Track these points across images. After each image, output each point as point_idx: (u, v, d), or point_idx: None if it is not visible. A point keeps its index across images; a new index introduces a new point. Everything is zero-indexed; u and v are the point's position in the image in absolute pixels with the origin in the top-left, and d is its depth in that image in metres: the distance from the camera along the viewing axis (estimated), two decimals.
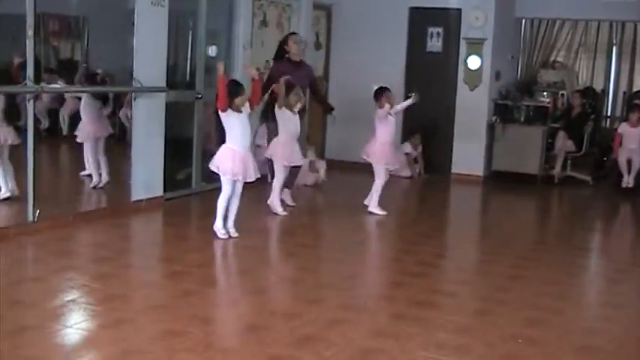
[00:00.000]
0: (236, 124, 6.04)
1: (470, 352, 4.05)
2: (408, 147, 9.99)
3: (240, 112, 6.05)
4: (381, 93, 7.33)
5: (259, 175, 6.24)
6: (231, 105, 5.99)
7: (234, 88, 6.07)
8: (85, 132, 7.43)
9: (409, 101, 7.62)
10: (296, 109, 7.02)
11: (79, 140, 7.44)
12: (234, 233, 6.18)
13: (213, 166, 6.09)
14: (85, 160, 7.47)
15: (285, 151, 7.11)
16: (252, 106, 6.20)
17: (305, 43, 7.86)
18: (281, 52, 7.68)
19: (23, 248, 5.85)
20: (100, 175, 7.43)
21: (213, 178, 8.26)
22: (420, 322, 4.47)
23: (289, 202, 7.56)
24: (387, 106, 7.28)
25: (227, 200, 6.12)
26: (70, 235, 6.25)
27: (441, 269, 6.02)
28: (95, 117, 7.47)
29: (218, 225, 6.13)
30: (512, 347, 4.15)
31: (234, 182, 6.09)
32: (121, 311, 4.48)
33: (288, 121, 7.10)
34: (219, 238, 6.06)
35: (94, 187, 7.39)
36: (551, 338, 4.32)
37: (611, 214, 9.01)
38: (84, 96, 7.43)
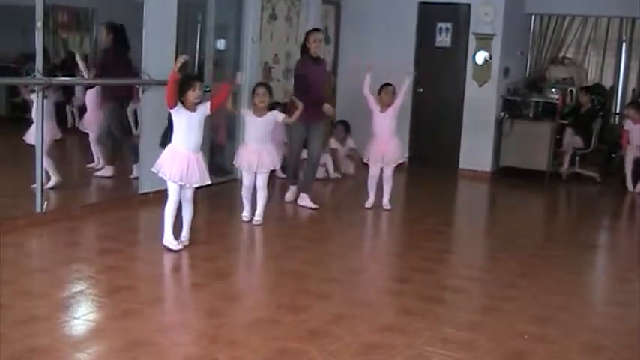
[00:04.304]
0: (183, 123, 5.49)
1: (476, 347, 4.04)
2: (332, 142, 9.39)
3: (194, 110, 5.52)
4: (379, 90, 7.38)
5: (209, 181, 5.71)
6: (183, 100, 5.47)
7: (186, 81, 5.53)
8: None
9: (406, 82, 7.49)
10: (261, 106, 6.58)
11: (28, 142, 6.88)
12: (183, 237, 5.67)
13: (155, 168, 5.55)
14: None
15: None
16: (212, 108, 5.67)
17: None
18: (304, 48, 7.43)
19: (31, 239, 5.88)
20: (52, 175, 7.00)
21: (222, 171, 8.33)
22: (427, 318, 4.47)
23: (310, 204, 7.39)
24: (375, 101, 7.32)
25: (174, 208, 5.55)
26: (77, 226, 6.26)
27: (448, 265, 6.01)
28: (49, 120, 7.03)
29: (168, 237, 5.55)
30: (519, 344, 4.14)
31: (181, 187, 5.54)
32: (127, 303, 4.49)
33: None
34: (172, 251, 5.52)
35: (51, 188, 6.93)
36: (559, 335, 4.31)
37: (619, 211, 8.99)
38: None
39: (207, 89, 7.94)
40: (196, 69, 8.52)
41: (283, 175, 8.81)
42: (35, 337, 3.87)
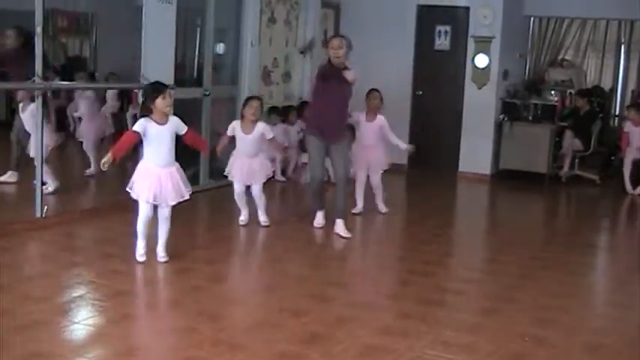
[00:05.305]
0: (152, 138, 5.12)
1: (477, 350, 4.04)
2: None
3: (164, 122, 5.16)
4: (366, 95, 7.21)
5: (187, 196, 5.34)
6: (152, 110, 5.12)
7: (155, 89, 5.17)
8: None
9: (404, 145, 7.43)
10: (252, 119, 6.33)
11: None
12: (162, 258, 5.35)
13: (128, 186, 5.21)
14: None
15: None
16: (187, 138, 5.40)
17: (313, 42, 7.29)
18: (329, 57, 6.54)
19: (32, 244, 5.88)
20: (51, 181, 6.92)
21: (222, 175, 8.31)
22: (428, 321, 4.47)
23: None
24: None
25: (145, 224, 5.25)
26: (77, 231, 6.27)
27: (448, 268, 6.01)
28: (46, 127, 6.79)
29: (138, 247, 5.30)
30: (520, 346, 4.14)
31: (153, 205, 5.23)
32: (128, 307, 4.50)
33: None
34: (139, 262, 5.29)
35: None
36: (560, 337, 4.31)
37: (619, 213, 8.99)
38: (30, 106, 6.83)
39: (207, 93, 7.97)
40: (195, 73, 8.54)
41: (283, 178, 8.82)
42: (36, 342, 3.86)
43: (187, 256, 5.61)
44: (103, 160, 4.97)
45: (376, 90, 7.24)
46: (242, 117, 6.42)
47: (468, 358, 3.95)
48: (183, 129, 5.31)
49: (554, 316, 4.67)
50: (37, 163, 6.14)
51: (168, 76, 7.15)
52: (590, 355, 4.10)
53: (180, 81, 7.51)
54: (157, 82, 5.41)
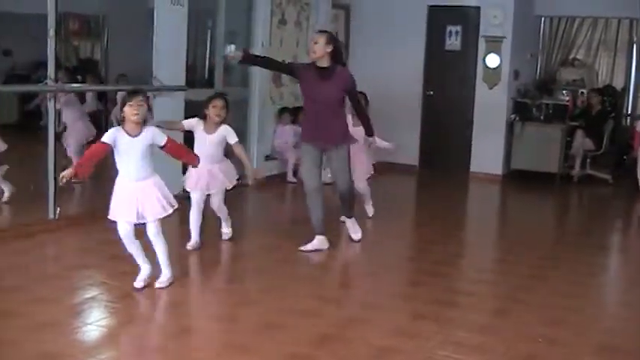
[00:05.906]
0: (122, 150, 4.58)
1: (489, 351, 4.03)
2: None
3: (136, 134, 4.57)
4: None
5: (169, 211, 4.74)
6: (124, 118, 4.59)
7: (127, 96, 4.60)
8: None
9: (388, 145, 7.01)
10: (216, 121, 5.61)
11: None
12: (165, 282, 4.86)
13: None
14: None
15: None
16: (166, 147, 4.74)
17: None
18: None
19: (44, 245, 5.91)
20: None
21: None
22: (439, 321, 4.46)
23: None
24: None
25: (127, 242, 4.77)
26: (89, 232, 6.28)
27: (459, 268, 6.01)
28: None
29: (140, 272, 4.84)
30: (532, 347, 4.13)
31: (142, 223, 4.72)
32: (139, 309, 4.52)
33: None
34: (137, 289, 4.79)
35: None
36: (571, 338, 4.30)
37: (631, 213, 8.94)
38: None
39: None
40: (207, 74, 8.58)
41: (294, 180, 8.83)
42: (47, 343, 3.89)
43: (195, 258, 5.63)
44: (62, 174, 4.51)
45: (360, 92, 6.95)
46: (205, 117, 5.66)
47: (478, 358, 3.95)
48: (161, 140, 4.67)
49: (564, 316, 4.66)
50: (50, 159, 6.15)
51: (179, 78, 7.21)
52: (600, 356, 4.09)
53: (191, 82, 7.55)
54: (134, 88, 4.95)
